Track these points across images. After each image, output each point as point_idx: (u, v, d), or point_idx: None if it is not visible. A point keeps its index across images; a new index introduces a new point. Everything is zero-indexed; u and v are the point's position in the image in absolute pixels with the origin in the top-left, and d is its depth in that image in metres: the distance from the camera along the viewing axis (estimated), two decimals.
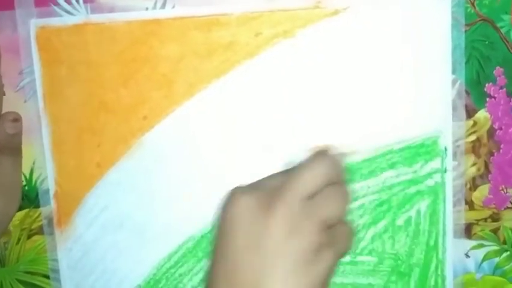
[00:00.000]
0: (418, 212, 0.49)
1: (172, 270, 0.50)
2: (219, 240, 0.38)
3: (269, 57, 0.47)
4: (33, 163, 0.50)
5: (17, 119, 0.46)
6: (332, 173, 0.39)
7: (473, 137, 0.48)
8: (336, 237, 0.39)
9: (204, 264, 0.50)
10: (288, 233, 0.36)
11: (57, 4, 0.47)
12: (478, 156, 0.48)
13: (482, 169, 0.48)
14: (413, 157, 0.48)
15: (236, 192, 0.38)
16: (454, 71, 0.47)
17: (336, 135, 0.48)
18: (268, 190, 0.38)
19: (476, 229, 0.49)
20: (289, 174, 0.39)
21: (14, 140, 0.46)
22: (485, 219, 0.49)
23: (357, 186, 0.48)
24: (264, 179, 0.40)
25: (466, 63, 0.47)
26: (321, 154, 0.40)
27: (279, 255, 0.36)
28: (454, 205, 0.49)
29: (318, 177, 0.38)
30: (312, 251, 0.37)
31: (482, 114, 0.48)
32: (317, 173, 0.39)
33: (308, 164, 0.39)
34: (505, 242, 0.49)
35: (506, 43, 0.47)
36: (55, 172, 0.50)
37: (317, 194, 0.38)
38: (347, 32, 0.47)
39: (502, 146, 0.48)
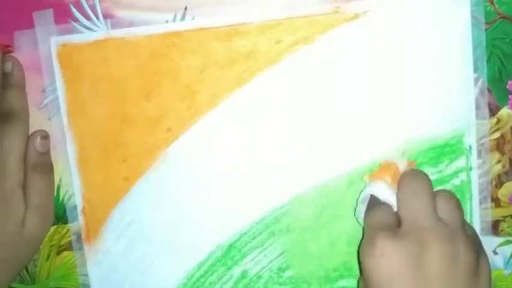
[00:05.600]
0: None
1: (202, 280, 0.51)
2: None
3: (290, 63, 0.47)
4: (60, 180, 0.50)
5: (46, 137, 0.47)
6: (427, 182, 0.40)
7: (497, 135, 0.48)
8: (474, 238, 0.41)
9: (233, 272, 0.51)
10: (449, 264, 0.38)
11: (77, 21, 0.47)
12: (502, 153, 0.48)
13: (507, 166, 0.49)
14: (438, 157, 0.48)
15: (381, 243, 0.39)
16: (475, 70, 0.47)
17: (359, 138, 0.48)
18: (405, 231, 0.40)
19: (503, 226, 0.50)
20: (401, 206, 0.41)
21: (45, 158, 0.47)
22: None
23: None
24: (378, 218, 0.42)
25: (488, 61, 0.47)
26: (406, 174, 0.41)
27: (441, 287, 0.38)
28: (480, 203, 0.49)
29: (425, 195, 0.40)
30: (473, 268, 0.38)
31: (505, 112, 0.48)
32: (420, 190, 0.41)
33: (407, 188, 0.41)
34: None
35: None
36: (82, 188, 0.50)
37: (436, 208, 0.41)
38: (367, 35, 0.47)
39: None
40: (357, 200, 0.47)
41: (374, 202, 0.44)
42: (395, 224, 0.41)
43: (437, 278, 0.38)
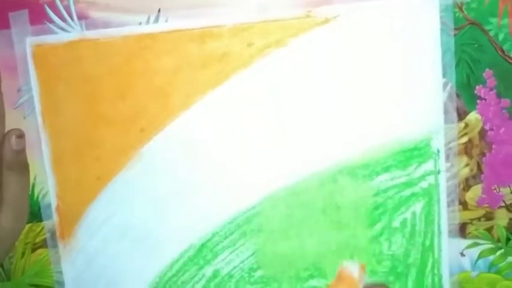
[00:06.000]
0: (413, 213, 0.50)
1: (174, 279, 0.51)
2: None
3: (262, 66, 0.48)
4: (35, 178, 0.50)
5: (21, 135, 0.47)
6: None
7: (465, 139, 0.49)
8: None
9: (205, 271, 0.51)
10: None
11: (52, 22, 0.48)
12: (470, 157, 0.49)
13: (475, 169, 0.49)
14: (406, 160, 0.49)
15: None
16: (444, 75, 0.48)
17: (330, 141, 0.49)
18: None
19: (471, 228, 0.50)
20: None
21: (20, 156, 0.47)
22: (479, 219, 0.50)
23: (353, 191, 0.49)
24: None
25: (456, 66, 0.48)
26: None
27: None
28: (448, 206, 0.50)
29: None
30: None
31: (473, 116, 0.49)
32: None
33: None
34: (499, 240, 0.50)
35: (495, 45, 0.47)
36: (56, 186, 0.51)
37: None
38: (337, 40, 0.48)
39: (493, 146, 0.49)
40: None
41: None
42: None
43: None
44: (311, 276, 0.51)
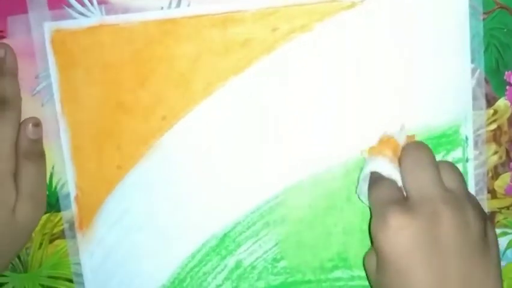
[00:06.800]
0: None
1: (196, 269, 0.50)
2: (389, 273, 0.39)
3: (287, 52, 0.47)
4: (53, 168, 0.49)
5: (37, 124, 0.47)
6: (430, 153, 0.42)
7: (493, 126, 0.48)
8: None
9: (228, 262, 0.50)
10: (462, 233, 0.38)
11: (71, 6, 0.47)
12: (499, 144, 0.48)
13: (504, 157, 0.48)
14: (434, 147, 0.47)
15: (393, 218, 0.39)
16: (473, 60, 0.47)
17: (357, 127, 0.48)
18: (414, 203, 0.40)
19: (499, 217, 0.49)
20: (407, 178, 0.41)
21: (37, 145, 0.47)
22: (508, 207, 0.49)
23: None
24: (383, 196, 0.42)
25: (485, 51, 0.47)
26: (408, 147, 0.43)
27: (457, 256, 0.38)
28: (476, 194, 0.48)
29: (430, 165, 0.41)
30: (483, 236, 0.39)
31: (502, 102, 0.48)
32: (425, 161, 0.41)
33: (411, 160, 0.40)
34: None
35: None
36: (75, 176, 0.49)
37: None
38: (364, 24, 0.46)
39: None
40: (358, 177, 0.46)
41: (377, 178, 0.44)
42: (403, 198, 0.41)
43: (452, 247, 0.38)
44: (336, 267, 0.50)
